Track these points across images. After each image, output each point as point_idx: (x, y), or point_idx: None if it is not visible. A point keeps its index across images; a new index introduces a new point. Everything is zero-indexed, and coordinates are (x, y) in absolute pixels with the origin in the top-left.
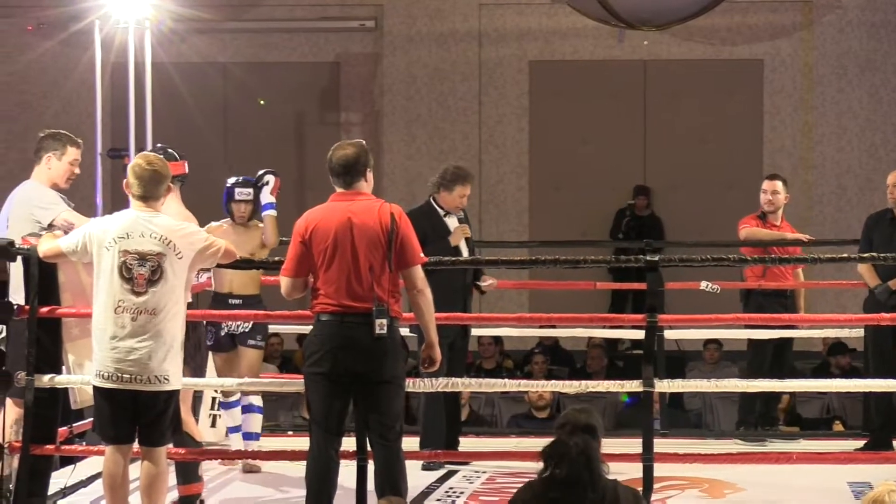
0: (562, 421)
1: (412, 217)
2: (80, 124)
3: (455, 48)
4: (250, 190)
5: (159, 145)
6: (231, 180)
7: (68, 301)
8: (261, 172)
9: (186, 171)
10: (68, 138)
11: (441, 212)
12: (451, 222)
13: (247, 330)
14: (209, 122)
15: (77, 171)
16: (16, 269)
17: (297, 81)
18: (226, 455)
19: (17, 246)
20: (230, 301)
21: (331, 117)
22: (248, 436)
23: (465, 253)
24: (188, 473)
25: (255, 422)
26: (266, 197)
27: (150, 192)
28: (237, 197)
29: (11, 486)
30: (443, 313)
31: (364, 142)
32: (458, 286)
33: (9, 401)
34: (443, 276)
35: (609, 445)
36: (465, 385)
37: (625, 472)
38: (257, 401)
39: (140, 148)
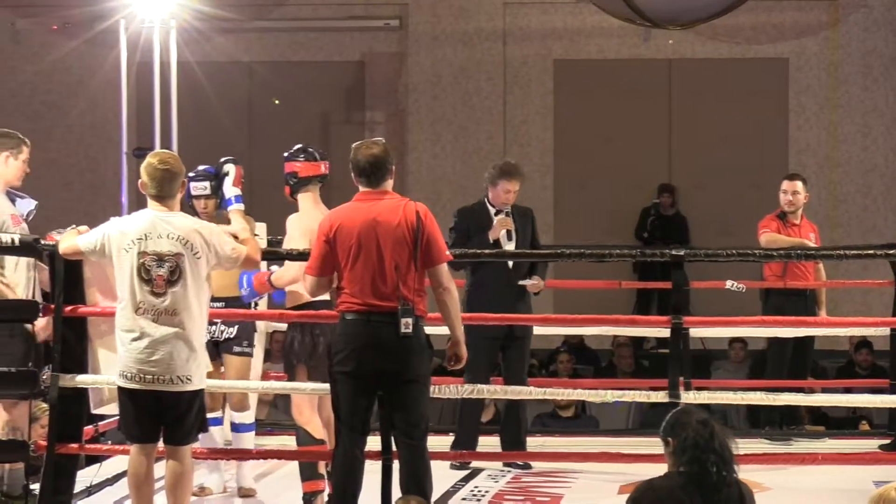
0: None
1: (462, 213)
2: (105, 123)
3: (480, 47)
4: (206, 183)
5: (300, 146)
6: (189, 174)
7: (95, 296)
8: (221, 161)
9: (326, 171)
10: (20, 137)
11: (491, 209)
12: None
13: (231, 336)
14: (234, 122)
15: (28, 169)
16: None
17: (322, 81)
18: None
19: (43, 242)
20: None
21: (356, 117)
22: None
23: (508, 248)
24: (310, 470)
25: (247, 442)
26: (229, 190)
27: (166, 191)
28: (193, 192)
29: (5, 488)
30: (480, 313)
31: (384, 140)
32: (499, 284)
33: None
34: (484, 274)
35: (635, 445)
36: (491, 392)
37: (652, 472)
38: (246, 418)
39: (165, 147)
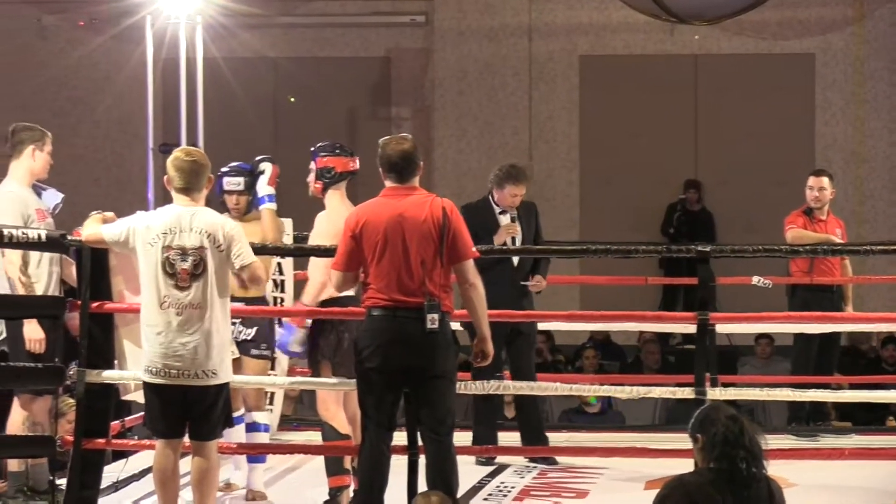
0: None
1: (466, 211)
2: (131, 119)
3: (505, 43)
4: (241, 179)
5: (329, 142)
6: (223, 169)
7: (121, 284)
8: (257, 159)
9: (357, 167)
10: (42, 130)
11: (496, 208)
12: (505, 220)
13: (249, 338)
14: (259, 118)
15: (52, 161)
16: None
17: (348, 77)
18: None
19: (70, 237)
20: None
21: (381, 112)
22: (252, 458)
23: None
24: (335, 466)
25: (262, 442)
26: (263, 188)
27: (192, 184)
28: (226, 187)
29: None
30: (494, 310)
31: (411, 136)
32: (504, 284)
33: (15, 399)
34: (492, 276)
35: (661, 441)
36: (517, 388)
37: (678, 469)
38: (262, 418)
39: (192, 143)
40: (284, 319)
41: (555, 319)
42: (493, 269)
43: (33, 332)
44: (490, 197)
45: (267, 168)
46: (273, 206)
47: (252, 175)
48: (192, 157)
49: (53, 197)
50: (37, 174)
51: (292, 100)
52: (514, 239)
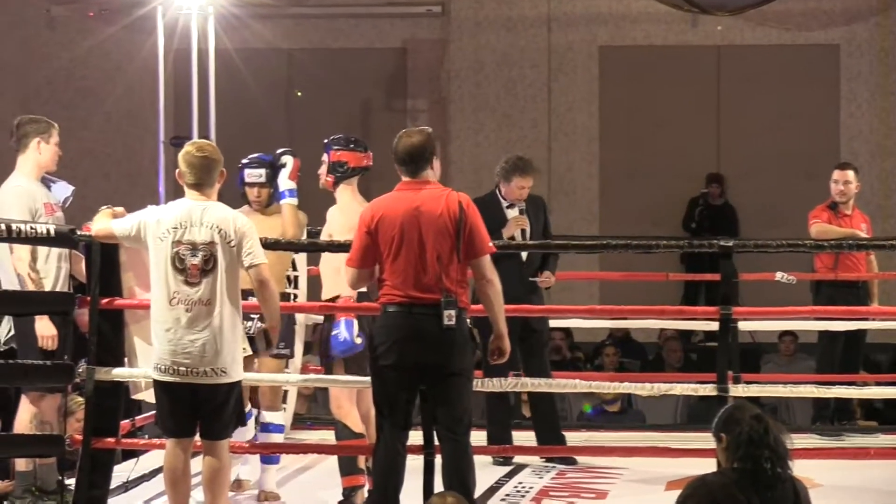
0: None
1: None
2: (142, 111)
3: (524, 33)
4: (262, 171)
5: (343, 135)
6: (244, 161)
7: (131, 281)
8: (278, 152)
9: (370, 163)
10: (48, 121)
11: (503, 202)
12: (512, 214)
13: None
14: (273, 110)
15: (60, 152)
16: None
17: (363, 68)
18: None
19: (79, 232)
20: (248, 300)
21: (397, 104)
22: (265, 459)
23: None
24: (350, 465)
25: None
26: (284, 182)
27: (203, 180)
28: (247, 179)
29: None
30: (509, 305)
31: (430, 129)
32: (513, 281)
33: (24, 396)
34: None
35: (683, 440)
36: (535, 385)
37: (700, 469)
38: (276, 418)
39: (203, 136)
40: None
41: (573, 315)
42: (502, 264)
43: (45, 329)
44: (497, 191)
45: (288, 161)
46: (294, 201)
47: (272, 167)
48: (203, 152)
49: (64, 189)
50: (45, 167)
51: (299, 94)
52: (523, 232)
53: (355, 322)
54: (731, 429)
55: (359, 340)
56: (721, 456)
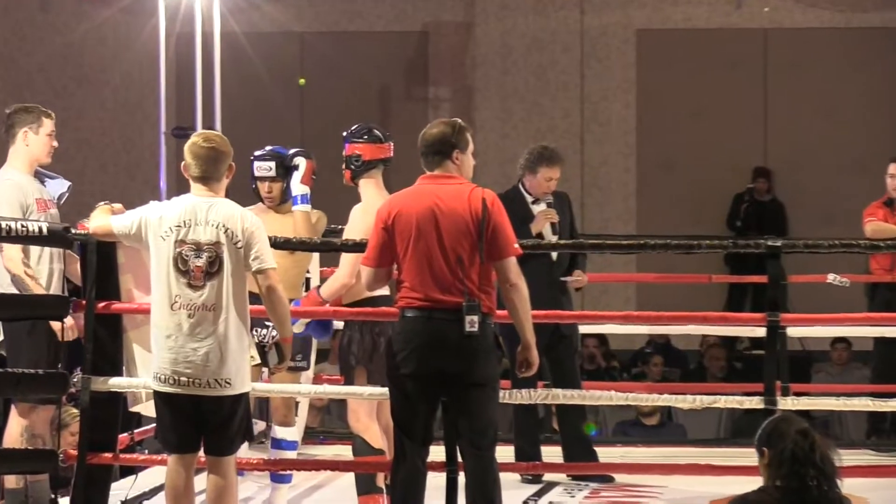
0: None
1: None
2: (142, 100)
3: (555, 16)
4: (272, 164)
5: (361, 125)
6: (256, 153)
7: (129, 283)
8: (291, 152)
9: (389, 154)
10: (41, 110)
11: (528, 198)
12: (538, 209)
13: (256, 342)
14: (284, 98)
15: (55, 143)
16: None
17: (382, 53)
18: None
19: (74, 231)
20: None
21: (418, 92)
22: (276, 477)
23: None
24: (367, 483)
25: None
26: (296, 186)
27: (210, 173)
28: (256, 173)
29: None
30: (538, 311)
31: (459, 120)
32: (542, 282)
33: (13, 407)
34: (527, 272)
35: (726, 456)
36: (567, 397)
37: (745, 487)
38: (290, 434)
39: (208, 126)
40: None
41: (608, 320)
42: (530, 264)
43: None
44: (520, 185)
45: (301, 163)
46: (307, 207)
47: (284, 162)
48: (210, 143)
49: (59, 185)
50: (36, 159)
51: (302, 82)
52: (553, 226)
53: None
54: (775, 443)
55: (299, 329)
56: (763, 472)
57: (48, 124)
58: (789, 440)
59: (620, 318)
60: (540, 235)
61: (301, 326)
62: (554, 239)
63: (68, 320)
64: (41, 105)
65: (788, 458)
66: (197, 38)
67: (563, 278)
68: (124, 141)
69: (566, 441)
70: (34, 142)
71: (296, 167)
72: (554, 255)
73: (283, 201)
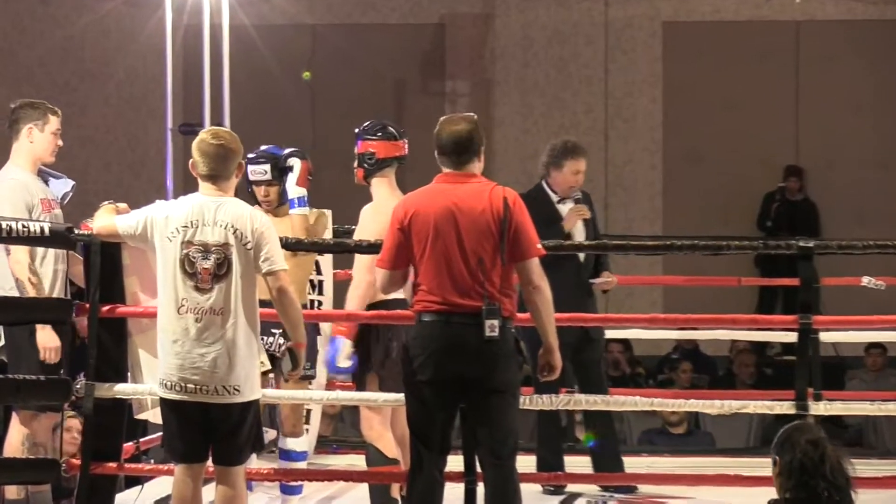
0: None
1: None
2: (147, 96)
3: (578, 7)
4: (266, 167)
5: (374, 122)
6: (249, 156)
7: (135, 286)
8: (285, 153)
9: (404, 152)
10: (47, 107)
11: (553, 196)
12: (565, 209)
13: (267, 350)
14: (295, 93)
15: (60, 142)
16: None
17: (397, 46)
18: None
19: (77, 231)
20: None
21: (435, 86)
22: (285, 489)
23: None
24: (382, 495)
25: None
26: (292, 189)
27: (219, 171)
28: (250, 177)
29: None
30: (562, 314)
31: (475, 116)
32: (569, 284)
33: (14, 415)
34: (555, 274)
35: (756, 466)
36: (590, 402)
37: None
38: (299, 444)
39: (216, 122)
40: (326, 330)
41: (634, 324)
42: (557, 266)
43: (48, 340)
44: (544, 184)
45: (296, 164)
46: (304, 210)
47: (278, 163)
48: (219, 140)
49: (63, 185)
50: (40, 157)
51: (307, 75)
52: (585, 223)
53: (347, 342)
54: (785, 453)
55: (346, 364)
56: (775, 482)
57: (54, 122)
58: (798, 450)
59: (646, 321)
60: (570, 236)
61: (348, 361)
62: (582, 237)
63: (49, 341)
64: (41, 101)
65: (797, 468)
66: (205, 30)
67: (591, 280)
68: (129, 138)
69: (593, 449)
70: (39, 139)
71: (290, 168)
72: (581, 256)
73: (280, 204)
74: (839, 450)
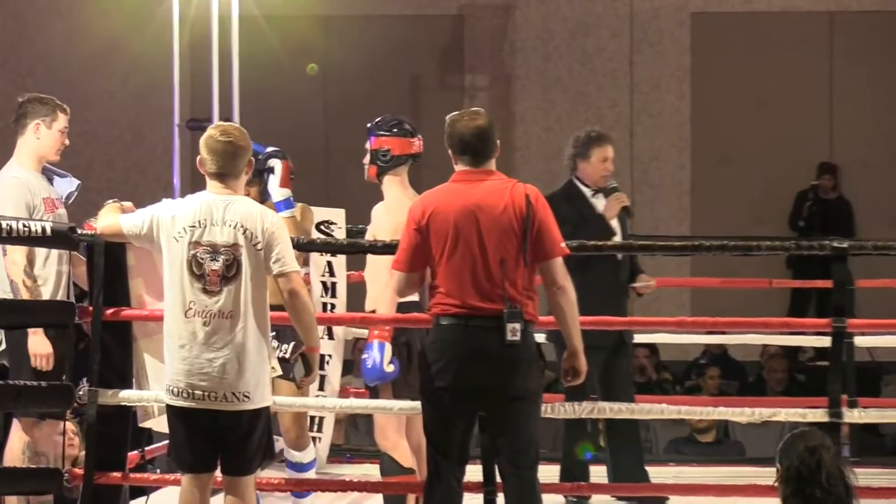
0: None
1: (551, 202)
2: (152, 90)
3: None
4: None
5: (388, 117)
6: None
7: (140, 288)
8: (266, 152)
9: (420, 149)
10: (56, 103)
11: (587, 190)
12: (600, 204)
13: (285, 355)
14: (307, 87)
15: (67, 141)
16: None
17: (413, 38)
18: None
19: (80, 231)
20: None
21: (453, 81)
22: (297, 494)
23: (618, 237)
24: None
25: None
26: (276, 191)
27: (228, 169)
28: None
29: None
30: (588, 317)
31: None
32: (608, 286)
33: (15, 422)
34: (593, 275)
35: None
36: (614, 411)
37: None
38: (305, 456)
39: (225, 118)
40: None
41: (660, 328)
42: (597, 265)
43: (39, 346)
44: (574, 179)
45: (276, 165)
46: (292, 212)
47: (257, 165)
48: (228, 136)
49: (68, 184)
50: (45, 155)
51: (313, 67)
52: (626, 211)
53: (388, 345)
54: (784, 460)
55: (390, 368)
56: (778, 489)
57: (62, 119)
58: (795, 458)
59: (673, 325)
60: (609, 228)
61: (391, 365)
62: (621, 235)
63: (40, 348)
64: (42, 95)
65: (794, 475)
66: (213, 21)
67: (635, 285)
68: (134, 134)
69: (616, 459)
70: (45, 136)
71: (271, 170)
72: (619, 255)
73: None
74: (840, 458)
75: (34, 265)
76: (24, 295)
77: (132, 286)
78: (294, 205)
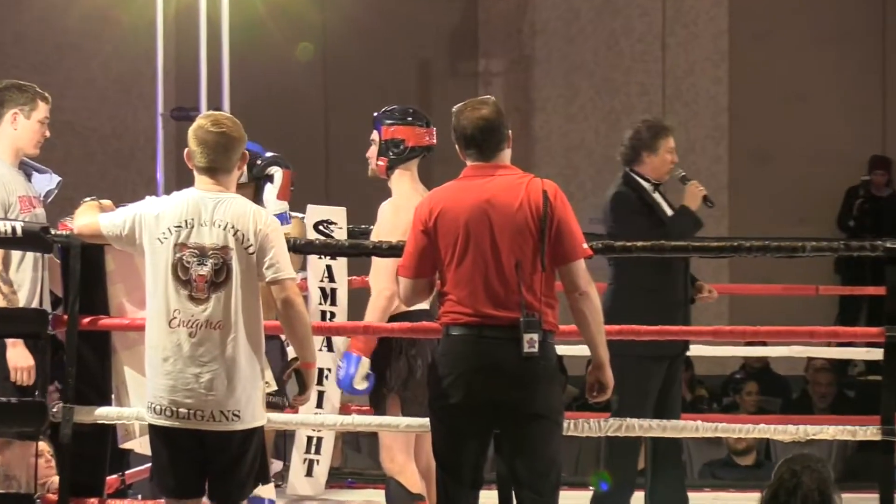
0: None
1: (620, 202)
2: (136, 75)
3: None
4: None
5: (408, 108)
6: None
7: (120, 294)
8: (267, 157)
9: (433, 141)
10: (36, 91)
11: (647, 185)
12: (660, 199)
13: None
14: (305, 72)
15: (48, 133)
16: None
17: (422, 19)
18: None
19: (53, 232)
20: None
21: (466, 66)
22: None
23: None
24: None
25: None
26: (272, 203)
27: (219, 163)
28: None
29: None
30: (614, 326)
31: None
32: (680, 294)
33: None
34: (666, 284)
35: None
36: (643, 428)
37: None
38: (267, 491)
39: (214, 106)
40: (340, 346)
41: (696, 337)
42: (671, 266)
43: (19, 358)
44: (632, 175)
45: (277, 174)
46: (287, 228)
47: (254, 171)
48: (220, 127)
49: (48, 181)
50: (22, 148)
51: (306, 47)
52: (706, 200)
53: (364, 360)
54: (770, 480)
55: (362, 385)
56: None
57: (43, 109)
58: (775, 478)
59: (709, 335)
60: (698, 221)
61: (364, 382)
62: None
63: (20, 360)
64: (16, 80)
65: (770, 497)
66: (201, 1)
67: (699, 295)
68: (114, 124)
69: (654, 480)
70: (24, 127)
71: (270, 178)
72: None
73: None
74: (825, 482)
75: (9, 270)
76: (0, 302)
77: (111, 293)
78: (290, 220)
